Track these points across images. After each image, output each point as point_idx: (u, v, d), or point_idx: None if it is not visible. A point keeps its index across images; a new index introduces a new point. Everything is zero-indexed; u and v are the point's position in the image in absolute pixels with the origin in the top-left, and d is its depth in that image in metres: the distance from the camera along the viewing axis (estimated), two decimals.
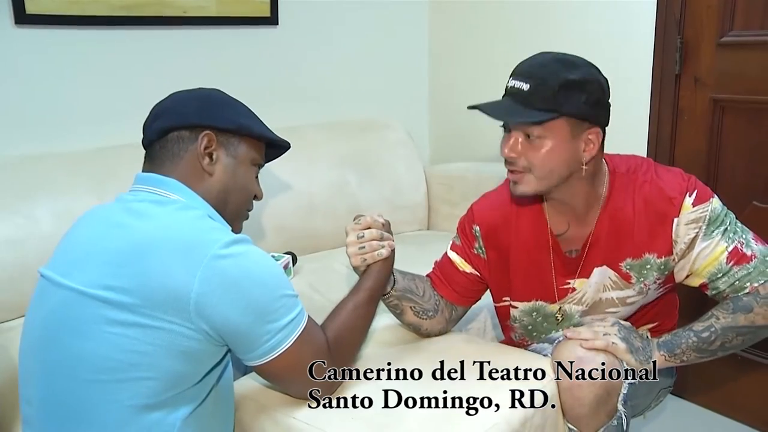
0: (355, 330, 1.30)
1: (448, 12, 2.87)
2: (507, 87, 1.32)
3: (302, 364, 1.19)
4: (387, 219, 1.43)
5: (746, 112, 2.03)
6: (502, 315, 1.61)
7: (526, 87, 1.27)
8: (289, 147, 1.42)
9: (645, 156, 2.23)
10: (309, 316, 1.21)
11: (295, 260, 2.19)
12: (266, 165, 1.43)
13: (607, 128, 1.35)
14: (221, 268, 1.09)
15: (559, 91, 1.25)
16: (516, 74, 1.31)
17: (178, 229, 1.13)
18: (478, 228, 1.52)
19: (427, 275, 1.59)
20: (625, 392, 1.33)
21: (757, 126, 2.01)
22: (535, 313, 1.53)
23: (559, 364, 1.34)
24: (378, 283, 1.35)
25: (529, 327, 1.56)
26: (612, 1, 2.27)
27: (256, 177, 1.36)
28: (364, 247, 1.35)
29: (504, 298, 1.56)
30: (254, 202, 1.37)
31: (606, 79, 1.33)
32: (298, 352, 1.17)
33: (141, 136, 1.30)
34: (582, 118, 1.29)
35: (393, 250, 1.40)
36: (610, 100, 1.34)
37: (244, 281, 1.11)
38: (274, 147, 1.41)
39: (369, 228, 1.36)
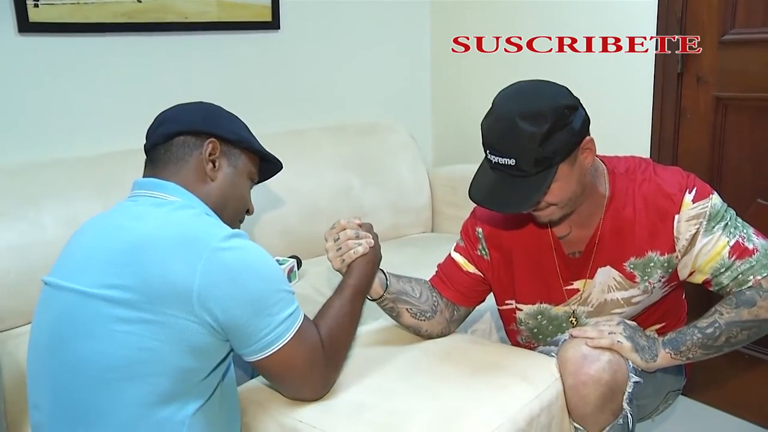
0: (345, 327, 1.31)
1: (450, 14, 2.88)
2: (491, 161, 1.30)
3: (299, 360, 1.20)
4: (368, 222, 1.46)
5: (749, 110, 2.03)
6: (507, 319, 1.61)
7: (512, 162, 1.26)
8: (282, 168, 1.47)
9: (648, 155, 2.23)
10: (304, 314, 1.23)
11: (299, 264, 2.20)
12: None
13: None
14: (222, 260, 1.11)
15: (543, 149, 1.24)
16: (493, 150, 1.28)
17: (177, 225, 1.15)
18: (480, 230, 1.53)
19: (429, 279, 1.59)
20: (630, 391, 1.32)
21: (760, 123, 2.01)
22: (540, 316, 1.53)
23: (564, 362, 1.35)
24: (360, 280, 1.37)
25: (535, 330, 1.56)
26: (613, 0, 2.27)
27: (250, 192, 1.40)
28: (340, 248, 1.38)
29: (507, 301, 1.56)
30: (251, 214, 1.42)
31: (566, 90, 1.31)
32: (296, 348, 1.19)
33: (145, 141, 1.32)
34: (573, 149, 1.29)
35: (377, 248, 1.42)
36: (584, 105, 1.32)
37: (244, 273, 1.13)
38: (267, 167, 1.45)
39: (344, 230, 1.39)
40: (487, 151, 1.30)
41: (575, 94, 1.32)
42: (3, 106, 2.02)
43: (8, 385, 1.56)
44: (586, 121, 1.31)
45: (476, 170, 1.36)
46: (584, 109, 1.32)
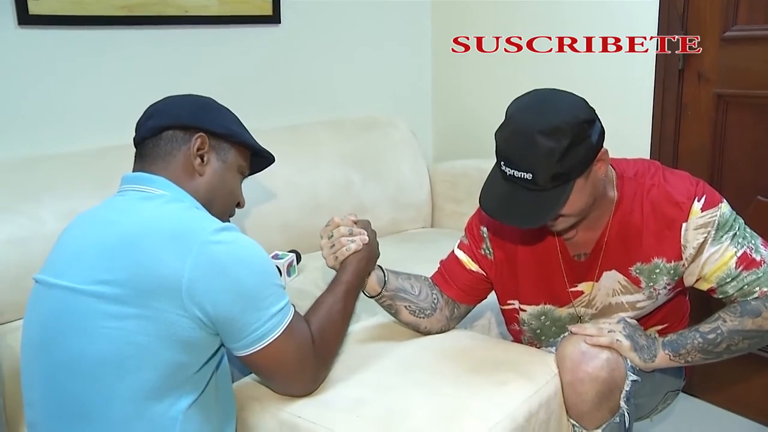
0: (336, 323, 1.31)
1: (451, 9, 2.87)
2: (505, 173, 1.27)
3: (289, 356, 1.20)
4: (365, 219, 1.46)
5: (750, 107, 2.03)
6: (509, 318, 1.60)
7: (529, 176, 1.23)
8: (274, 160, 1.46)
9: (649, 151, 2.23)
10: (295, 309, 1.23)
11: (299, 258, 2.19)
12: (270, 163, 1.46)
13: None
14: (212, 253, 1.11)
15: (561, 165, 1.22)
16: (509, 162, 1.26)
17: (166, 219, 1.15)
18: (485, 229, 1.53)
19: (431, 276, 1.59)
20: (627, 389, 1.32)
21: (761, 121, 2.00)
22: (543, 317, 1.53)
23: (563, 359, 1.35)
24: (353, 276, 1.36)
25: (538, 331, 1.55)
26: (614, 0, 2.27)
27: (240, 185, 1.39)
28: (334, 245, 1.38)
29: (509, 301, 1.55)
30: (242, 207, 1.41)
31: (584, 102, 1.28)
32: (286, 343, 1.18)
33: (134, 134, 1.31)
34: (590, 163, 1.27)
35: (373, 245, 1.42)
36: (598, 115, 1.29)
37: (234, 267, 1.13)
38: (259, 160, 1.44)
39: (337, 227, 1.39)
40: (502, 163, 1.28)
41: (577, 96, 1.30)
42: (2, 100, 2.01)
43: (7, 378, 1.56)
44: (602, 133, 1.29)
45: (487, 177, 1.34)
46: (600, 120, 1.29)
